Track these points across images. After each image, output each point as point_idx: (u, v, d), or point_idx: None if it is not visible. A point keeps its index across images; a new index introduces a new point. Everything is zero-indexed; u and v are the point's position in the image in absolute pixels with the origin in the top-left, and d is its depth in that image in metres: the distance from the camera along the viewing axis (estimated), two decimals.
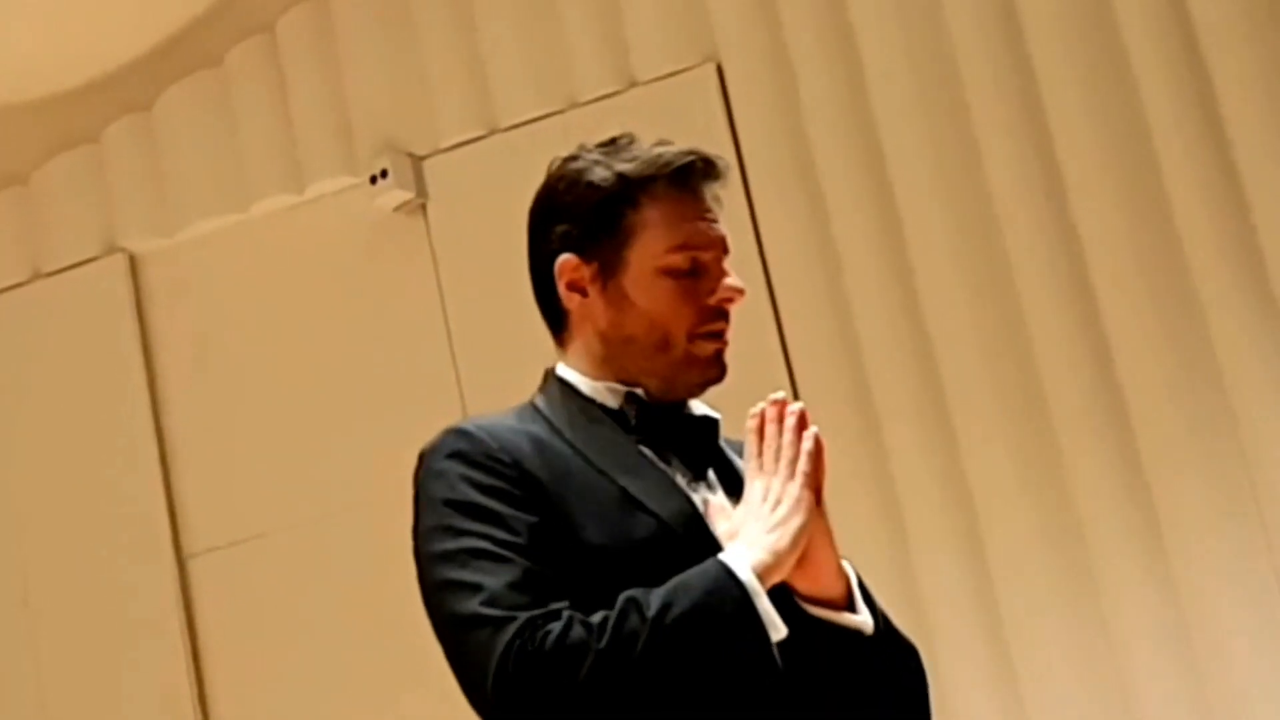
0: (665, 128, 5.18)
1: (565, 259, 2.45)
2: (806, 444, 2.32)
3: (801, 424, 2.34)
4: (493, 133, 5.28)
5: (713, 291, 2.45)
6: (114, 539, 5.46)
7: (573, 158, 2.52)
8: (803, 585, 2.31)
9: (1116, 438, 4.74)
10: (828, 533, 2.33)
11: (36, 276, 5.74)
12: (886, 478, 4.89)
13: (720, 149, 5.05)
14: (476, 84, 5.36)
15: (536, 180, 2.53)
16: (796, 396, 4.98)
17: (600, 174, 2.46)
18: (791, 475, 2.30)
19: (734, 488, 2.43)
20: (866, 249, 4.98)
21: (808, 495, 2.28)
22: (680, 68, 5.23)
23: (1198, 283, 4.73)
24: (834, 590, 2.35)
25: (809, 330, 5.01)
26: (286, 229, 5.52)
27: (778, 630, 2.19)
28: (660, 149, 2.48)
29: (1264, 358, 4.65)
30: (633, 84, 5.26)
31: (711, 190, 2.48)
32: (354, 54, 5.50)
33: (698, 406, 2.51)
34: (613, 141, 2.51)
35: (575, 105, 5.28)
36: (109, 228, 5.65)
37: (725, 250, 2.48)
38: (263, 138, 5.52)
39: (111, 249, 5.64)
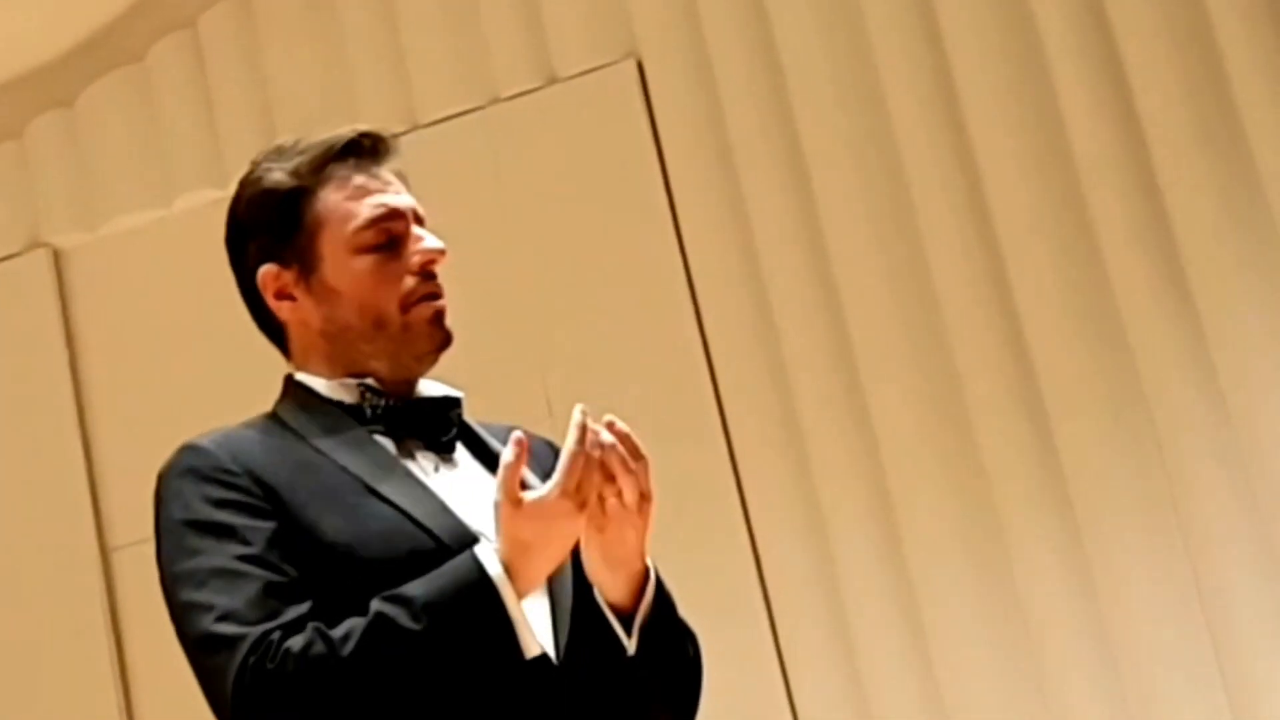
0: (586, 123, 5.30)
1: (265, 270, 2.44)
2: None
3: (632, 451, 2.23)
4: (414, 128, 5.27)
5: (411, 258, 2.42)
6: (37, 532, 5.43)
7: (248, 174, 2.50)
8: (597, 579, 2.30)
9: (1033, 429, 4.79)
10: (627, 540, 2.27)
11: None
12: (805, 469, 4.92)
13: (641, 144, 5.17)
14: (398, 79, 5.36)
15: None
16: (716, 389, 5.02)
17: (275, 178, 2.44)
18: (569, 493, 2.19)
19: (488, 463, 2.42)
20: (786, 244, 5.01)
21: (576, 515, 2.19)
22: (600, 63, 5.25)
23: (1114, 277, 4.77)
24: (617, 596, 2.31)
25: (729, 324, 5.04)
26: (210, 223, 5.46)
27: (532, 649, 2.17)
28: (327, 136, 2.46)
29: (1177, 350, 4.71)
30: (553, 80, 5.27)
31: (390, 165, 2.47)
32: (275, 49, 5.50)
33: (437, 388, 2.46)
34: (279, 147, 2.49)
35: (496, 101, 5.29)
36: (32, 223, 5.64)
37: (418, 219, 2.46)
38: (185, 133, 5.51)
39: (35, 244, 5.62)
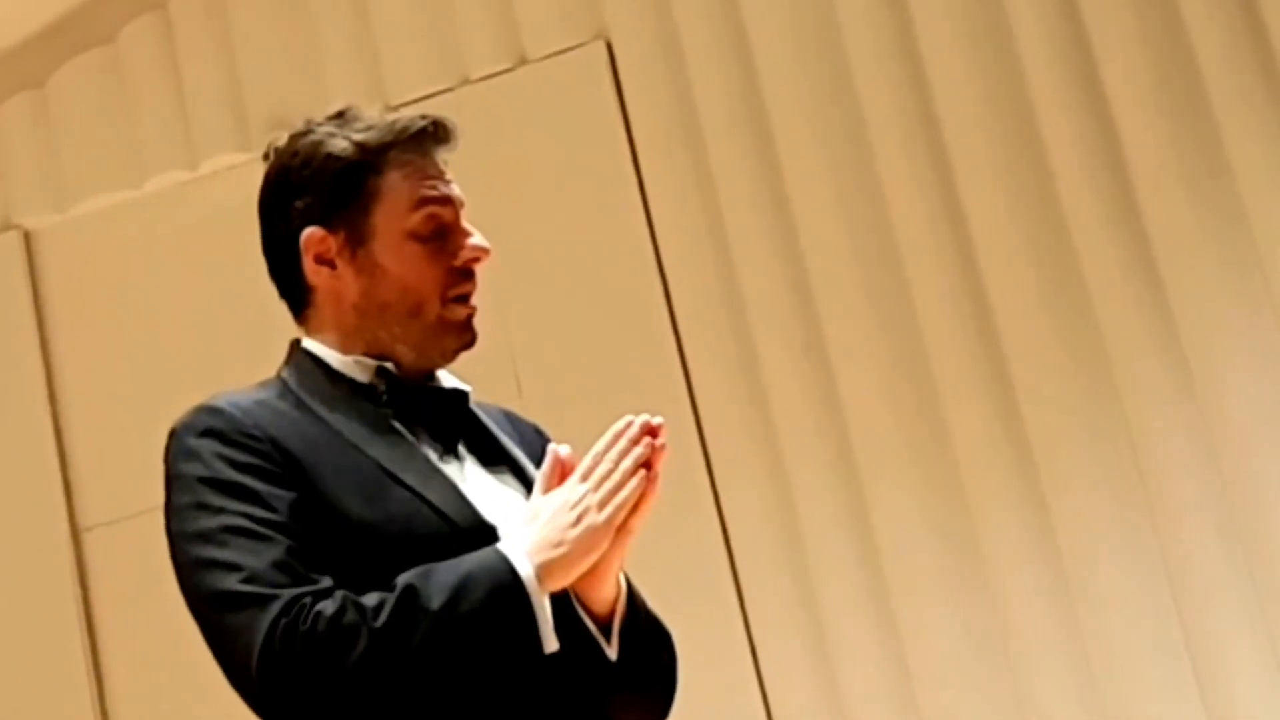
0: (555, 105, 5.31)
1: (311, 232, 2.41)
2: (630, 484, 2.24)
3: (647, 462, 2.26)
4: (384, 110, 5.28)
5: (459, 251, 2.43)
6: (7, 513, 5.42)
7: (303, 133, 2.48)
8: (580, 588, 2.30)
9: (1002, 410, 4.81)
10: (618, 555, 2.30)
11: None
12: (775, 451, 4.93)
13: (610, 126, 5.18)
14: (368, 61, 5.37)
15: None
16: (685, 369, 5.03)
17: (339, 145, 2.43)
18: (604, 505, 2.23)
19: (489, 457, 2.44)
20: (755, 226, 5.02)
21: (607, 528, 2.22)
22: (570, 45, 5.26)
23: (1084, 261, 4.80)
24: (599, 606, 2.34)
25: (698, 304, 5.05)
26: (180, 204, 5.51)
27: (551, 644, 2.18)
28: (393, 116, 2.48)
29: (1146, 333, 4.74)
30: (523, 61, 5.28)
31: (442, 154, 2.47)
32: (246, 30, 5.50)
33: (446, 379, 2.47)
34: (340, 114, 2.49)
35: (466, 82, 5.30)
36: (3, 204, 5.61)
37: (461, 210, 2.47)
38: (156, 114, 5.51)
39: (6, 225, 5.60)
